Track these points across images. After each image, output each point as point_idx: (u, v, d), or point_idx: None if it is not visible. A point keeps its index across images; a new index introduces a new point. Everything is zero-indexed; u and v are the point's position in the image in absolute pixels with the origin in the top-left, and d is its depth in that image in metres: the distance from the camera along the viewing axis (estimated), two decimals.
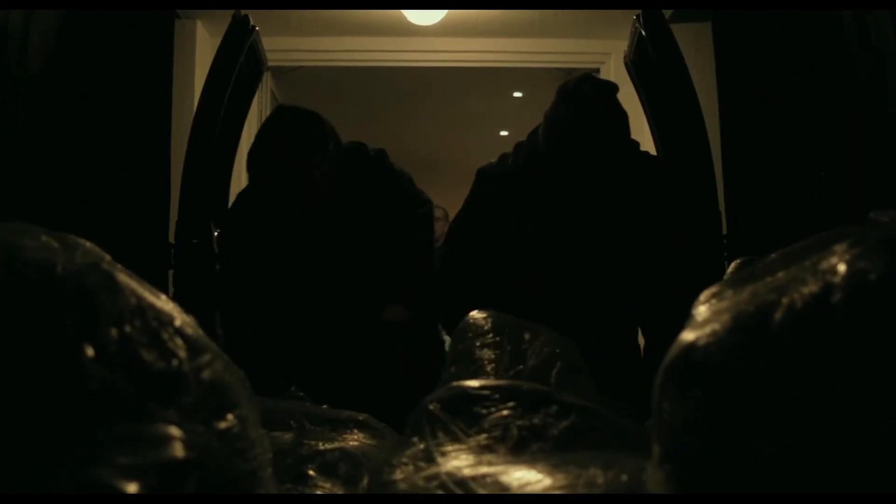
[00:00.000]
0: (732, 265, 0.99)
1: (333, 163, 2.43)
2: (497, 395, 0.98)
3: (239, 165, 3.66)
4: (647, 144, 3.78)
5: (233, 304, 2.51)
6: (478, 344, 1.32)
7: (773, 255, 0.79)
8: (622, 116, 2.39)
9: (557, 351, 1.30)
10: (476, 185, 2.57)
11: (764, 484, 0.65)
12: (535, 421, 0.94)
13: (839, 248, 0.71)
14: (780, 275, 0.73)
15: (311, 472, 1.17)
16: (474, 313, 1.44)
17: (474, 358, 1.29)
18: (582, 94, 2.37)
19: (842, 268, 0.68)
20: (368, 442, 1.29)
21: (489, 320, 1.38)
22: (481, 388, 1.00)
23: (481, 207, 2.53)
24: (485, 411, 0.96)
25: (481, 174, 2.58)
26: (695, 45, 3.52)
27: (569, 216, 2.44)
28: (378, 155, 2.58)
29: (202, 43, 4.00)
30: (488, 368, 1.26)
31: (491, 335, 1.33)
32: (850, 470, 0.62)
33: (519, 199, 2.47)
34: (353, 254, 2.46)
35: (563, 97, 2.41)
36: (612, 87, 2.42)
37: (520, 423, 0.94)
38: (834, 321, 0.66)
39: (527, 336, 1.32)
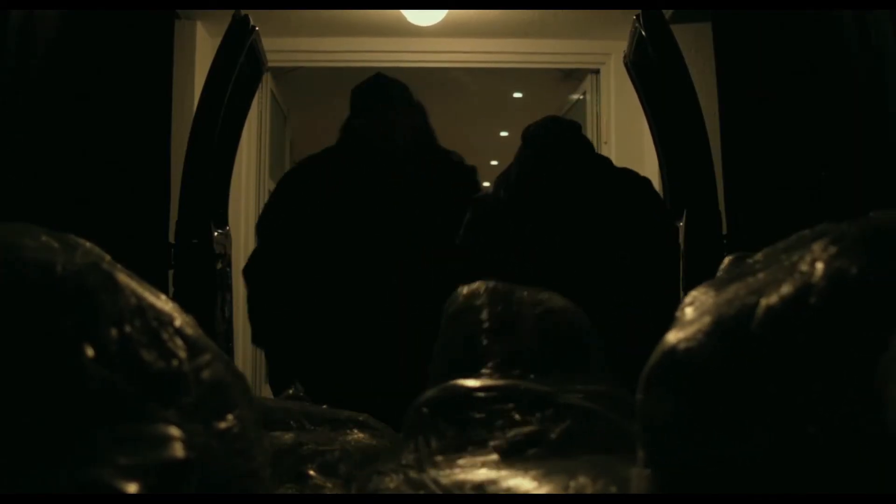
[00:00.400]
0: (725, 261, 0.99)
1: (418, 133, 2.57)
2: (493, 397, 0.97)
3: (239, 165, 3.66)
4: (648, 144, 3.79)
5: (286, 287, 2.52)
6: (468, 324, 1.19)
7: (757, 255, 0.80)
8: (584, 153, 2.47)
9: (559, 326, 1.20)
10: (471, 212, 2.62)
11: (747, 485, 0.65)
12: (532, 424, 0.93)
13: (817, 246, 0.71)
14: (761, 275, 0.74)
15: (311, 472, 1.17)
16: (462, 289, 1.27)
17: (465, 341, 1.16)
18: (541, 138, 2.44)
19: (819, 267, 0.69)
20: (368, 442, 1.29)
21: (476, 297, 1.23)
22: (477, 388, 0.99)
23: (479, 223, 2.57)
24: (479, 415, 0.95)
25: (476, 201, 2.64)
26: (695, 45, 3.52)
27: (561, 226, 2.49)
28: (471, 169, 2.72)
29: (202, 43, 3.99)
30: (480, 353, 1.13)
31: (481, 309, 1.19)
32: (831, 469, 0.62)
33: (512, 214, 2.52)
34: (414, 249, 2.50)
35: (526, 140, 2.48)
36: (573, 126, 2.48)
37: (515, 427, 0.93)
38: (812, 321, 0.66)
39: (523, 309, 1.19)
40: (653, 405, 0.74)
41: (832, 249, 0.70)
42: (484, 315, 1.18)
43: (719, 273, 0.89)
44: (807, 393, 0.64)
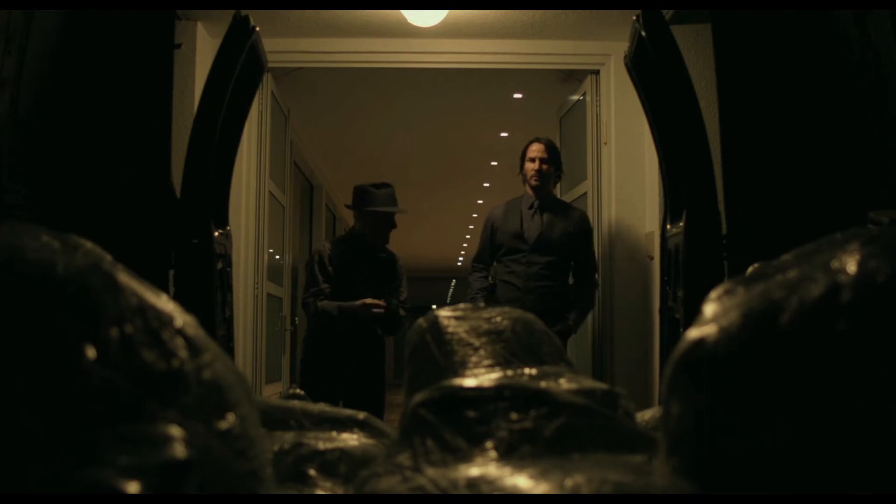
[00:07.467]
0: (750, 269, 1.00)
1: None
2: (488, 395, 0.97)
3: (239, 165, 3.66)
4: (648, 144, 3.79)
5: None
6: (440, 340, 1.18)
7: (786, 256, 0.80)
8: None
9: (530, 328, 1.21)
10: None
11: (769, 477, 0.65)
12: (526, 422, 0.93)
13: (851, 247, 0.72)
14: (792, 273, 0.74)
15: (311, 472, 1.17)
16: (420, 321, 1.27)
17: (438, 354, 1.16)
18: None
19: (852, 267, 0.69)
20: (368, 441, 1.29)
21: (440, 320, 1.23)
22: (472, 388, 0.99)
23: None
24: (474, 413, 0.95)
25: None
26: (695, 45, 3.52)
27: None
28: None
29: (202, 43, 3.99)
30: (461, 361, 1.15)
31: (453, 327, 1.22)
32: (856, 466, 0.63)
33: None
34: None
35: None
36: None
37: (510, 425, 0.93)
38: (843, 318, 0.67)
39: (483, 323, 1.22)
40: (678, 396, 0.74)
41: (865, 250, 0.71)
42: (460, 329, 1.19)
43: (746, 275, 0.89)
44: (834, 389, 0.65)
